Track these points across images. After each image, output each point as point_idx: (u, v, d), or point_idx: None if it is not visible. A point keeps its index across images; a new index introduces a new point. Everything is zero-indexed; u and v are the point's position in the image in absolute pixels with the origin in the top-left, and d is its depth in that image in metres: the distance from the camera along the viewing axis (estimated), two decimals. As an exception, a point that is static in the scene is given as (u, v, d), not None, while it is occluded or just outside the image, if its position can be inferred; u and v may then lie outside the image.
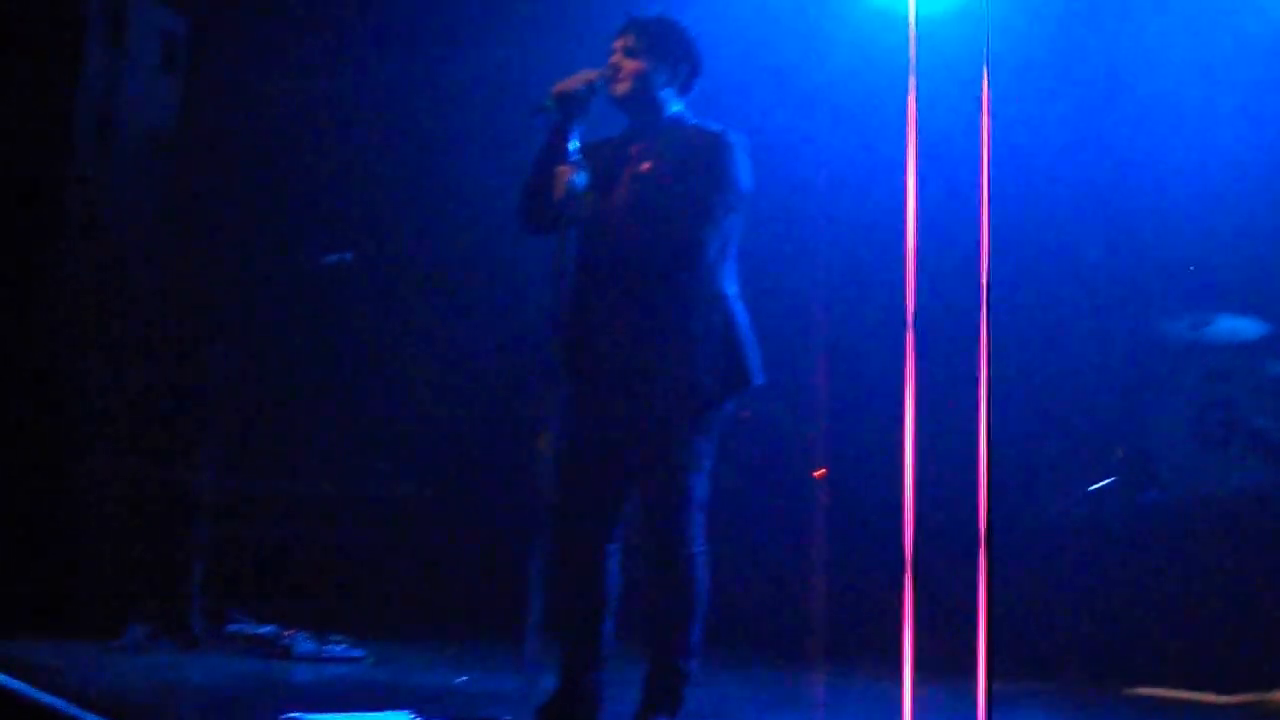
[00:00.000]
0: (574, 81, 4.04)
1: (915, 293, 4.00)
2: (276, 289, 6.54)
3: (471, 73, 6.93)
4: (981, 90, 3.92)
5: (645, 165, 4.11)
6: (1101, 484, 6.40)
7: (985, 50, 3.95)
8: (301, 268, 6.11)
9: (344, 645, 5.45)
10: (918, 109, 4.05)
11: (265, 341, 6.59)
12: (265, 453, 6.72)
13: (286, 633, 5.47)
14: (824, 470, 6.61)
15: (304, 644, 5.36)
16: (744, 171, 4.09)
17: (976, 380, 3.75)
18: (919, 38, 4.10)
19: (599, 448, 4.06)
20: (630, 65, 4.15)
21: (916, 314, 3.99)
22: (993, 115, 3.91)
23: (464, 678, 5.16)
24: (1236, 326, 6.51)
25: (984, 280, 3.82)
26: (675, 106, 4.22)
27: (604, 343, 4.04)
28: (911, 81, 4.09)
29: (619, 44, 4.19)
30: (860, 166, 6.35)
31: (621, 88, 4.14)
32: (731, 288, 4.11)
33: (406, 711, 4.08)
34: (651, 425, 3.98)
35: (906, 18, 4.14)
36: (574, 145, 4.05)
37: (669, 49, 4.18)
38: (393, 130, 7.13)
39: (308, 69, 6.99)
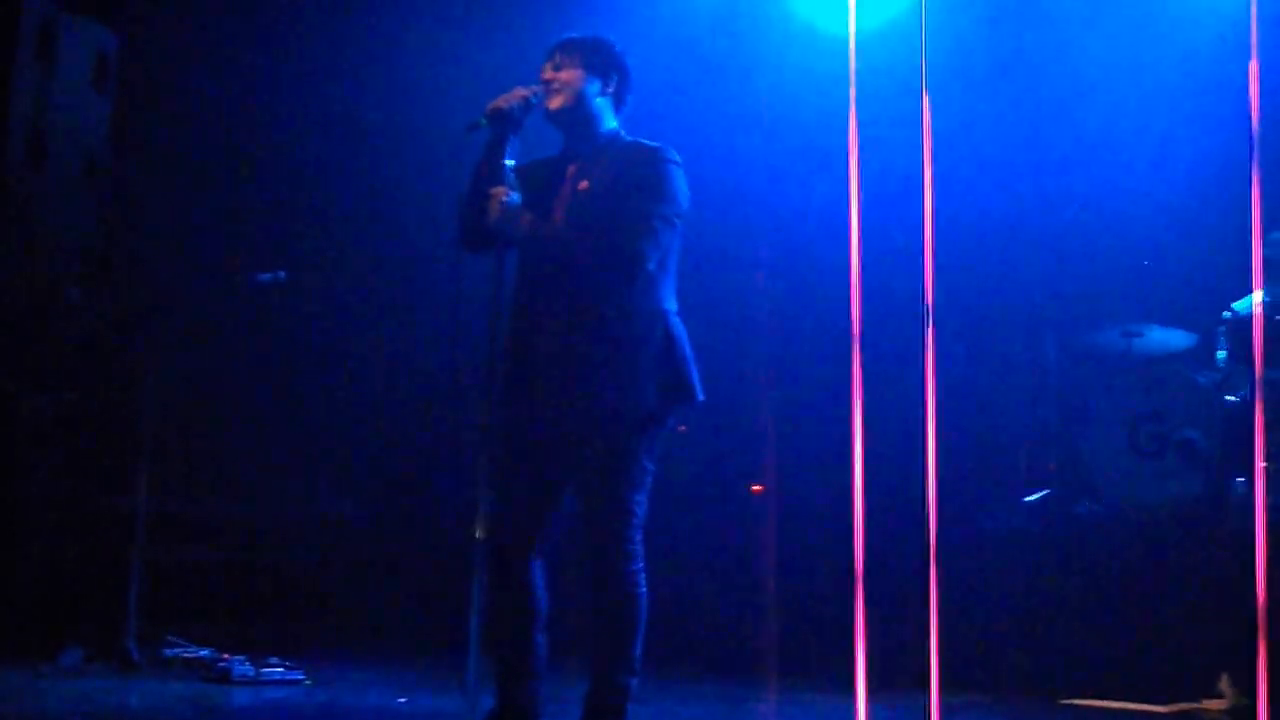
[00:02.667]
0: (508, 98, 4.06)
1: (861, 307, 4.04)
2: (212, 307, 6.54)
3: (410, 80, 6.97)
4: (921, 105, 3.97)
5: (583, 184, 4.12)
6: (1037, 495, 6.47)
7: (922, 66, 4.03)
8: (235, 286, 6.00)
9: (282, 668, 5.41)
10: (859, 127, 4.11)
11: (202, 361, 6.59)
12: (201, 473, 6.70)
13: (225, 656, 5.44)
14: (761, 486, 6.65)
15: (242, 667, 5.31)
16: (682, 187, 4.11)
17: (921, 394, 3.82)
18: (858, 56, 4.16)
19: (534, 462, 4.07)
20: (563, 77, 4.17)
21: (863, 327, 4.04)
22: (932, 132, 3.99)
23: (404, 699, 5.14)
24: (1167, 338, 6.60)
25: (928, 295, 3.90)
26: (611, 122, 4.24)
27: (544, 360, 4.05)
28: (852, 96, 4.15)
29: (549, 63, 4.21)
30: (801, 184, 6.45)
31: (556, 101, 4.15)
32: (671, 303, 4.14)
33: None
34: (593, 440, 4.00)
35: (846, 37, 4.20)
36: (509, 163, 4.06)
37: (599, 61, 4.20)
38: (330, 143, 7.14)
39: (242, 82, 6.99)
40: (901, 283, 4.11)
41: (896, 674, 4.57)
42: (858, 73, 4.14)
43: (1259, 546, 3.77)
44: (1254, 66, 3.96)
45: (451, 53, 6.82)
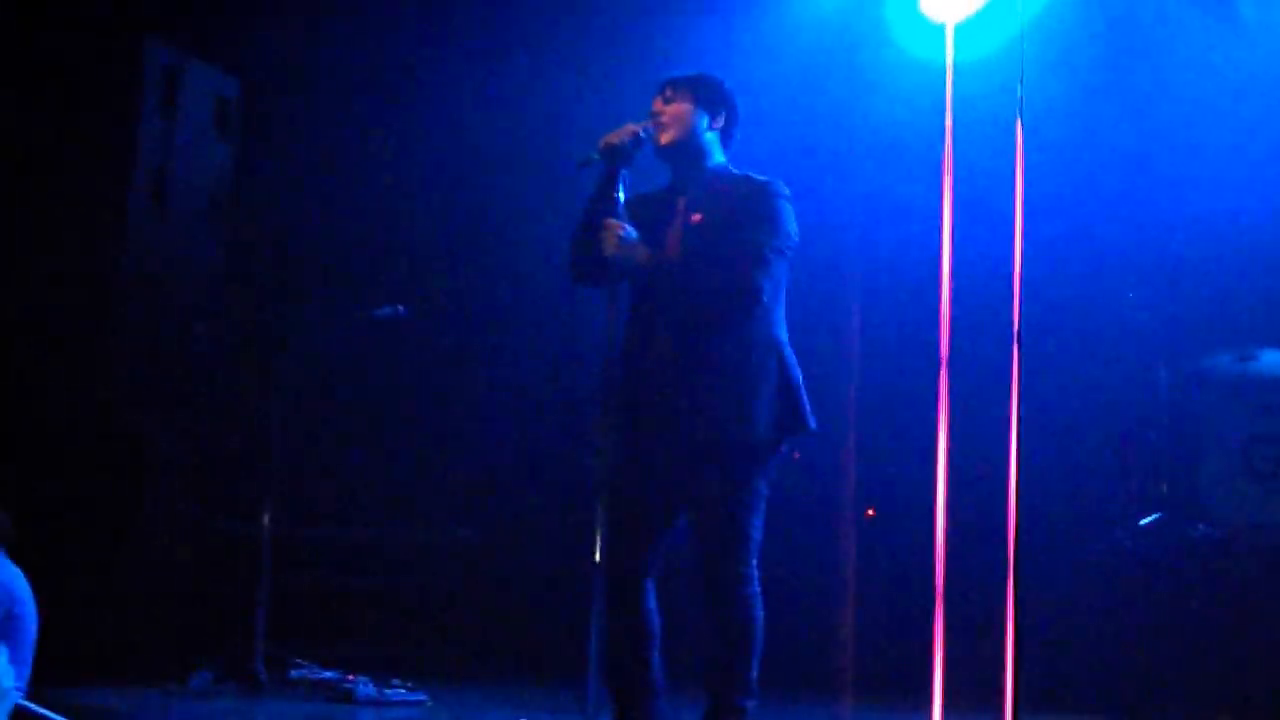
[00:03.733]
0: (620, 134, 4.12)
1: (950, 331, 4.15)
2: (335, 341, 6.66)
3: (521, 123, 7.05)
4: (1016, 129, 4.06)
5: (696, 216, 4.20)
6: (1150, 519, 6.44)
7: (1019, 91, 4.10)
8: (358, 320, 6.15)
9: (405, 689, 5.54)
10: (955, 154, 4.21)
11: (326, 392, 6.73)
12: (326, 500, 6.83)
13: (349, 677, 5.56)
14: (873, 510, 6.73)
15: (366, 688, 5.45)
16: (792, 220, 4.20)
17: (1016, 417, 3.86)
18: (956, 86, 4.26)
19: (649, 490, 4.13)
20: (672, 111, 4.25)
21: (952, 353, 4.15)
22: (1030, 153, 4.07)
23: (525, 719, 5.23)
24: (1282, 360, 6.54)
25: (1016, 317, 3.95)
26: (718, 156, 4.33)
27: (660, 390, 4.10)
28: (949, 125, 4.24)
29: (659, 98, 4.29)
30: (897, 210, 6.48)
31: (667, 136, 4.22)
32: (784, 333, 4.22)
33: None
34: (711, 469, 4.04)
35: (944, 67, 4.32)
36: (620, 197, 4.14)
37: (708, 96, 4.27)
38: (446, 179, 7.26)
39: (360, 122, 7.13)
40: (1000, 304, 4.14)
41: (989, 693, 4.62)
42: (958, 101, 4.26)
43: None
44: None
45: (565, 90, 6.92)
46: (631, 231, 4.08)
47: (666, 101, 4.29)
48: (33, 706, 4.27)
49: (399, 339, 6.60)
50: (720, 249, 4.10)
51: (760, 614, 4.07)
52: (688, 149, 4.29)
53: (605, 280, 4.11)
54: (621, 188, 4.11)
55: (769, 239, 4.12)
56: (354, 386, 6.96)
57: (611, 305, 4.07)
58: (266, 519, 5.71)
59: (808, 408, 4.20)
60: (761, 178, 4.24)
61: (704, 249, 4.12)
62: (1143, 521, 6.46)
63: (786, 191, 4.22)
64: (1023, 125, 4.02)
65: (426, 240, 7.27)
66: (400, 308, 5.80)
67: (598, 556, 3.88)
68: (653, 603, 4.15)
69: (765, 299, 4.08)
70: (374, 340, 6.65)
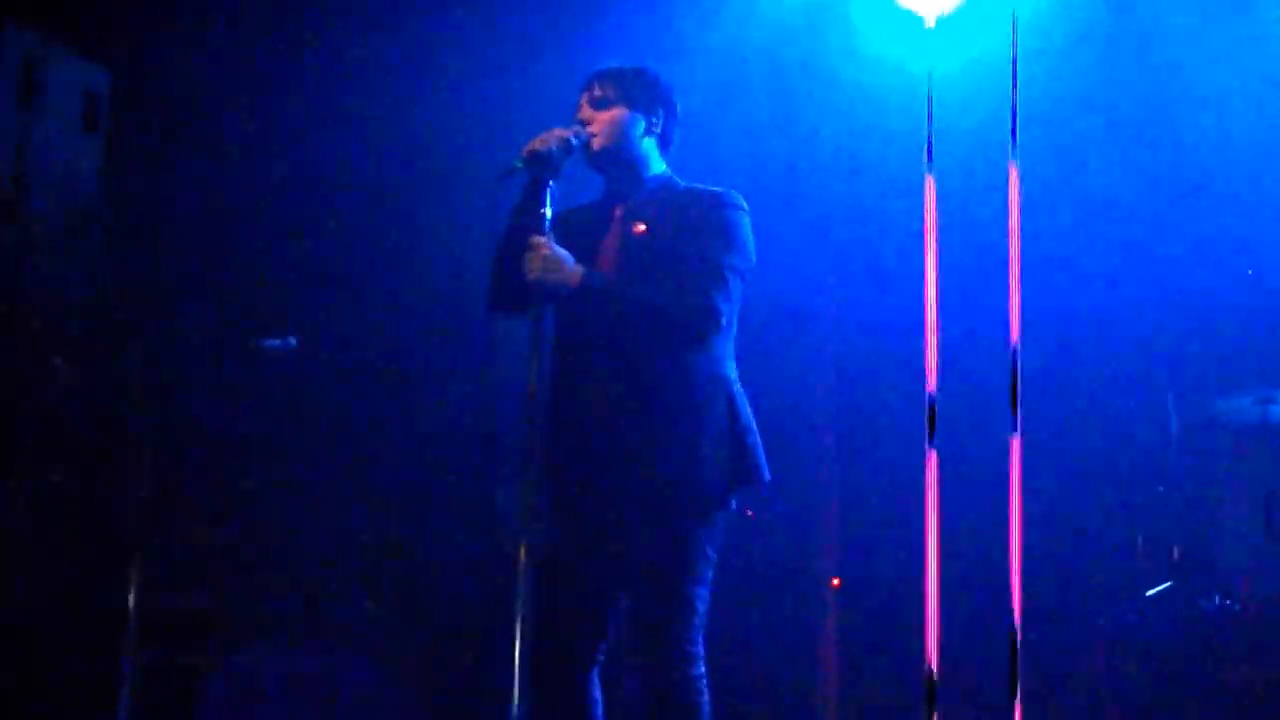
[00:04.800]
0: (546, 139, 4.09)
1: (938, 374, 4.14)
2: (214, 377, 6.57)
3: (435, 126, 7.01)
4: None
5: (639, 227, 4.18)
6: (1158, 589, 6.44)
7: (1013, 98, 4.06)
8: (241, 353, 6.04)
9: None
10: (938, 168, 4.19)
11: (203, 438, 6.64)
12: (197, 566, 6.73)
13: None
14: (839, 580, 6.67)
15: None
16: (750, 237, 4.18)
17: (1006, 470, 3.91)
18: (938, 90, 4.26)
19: (585, 554, 4.11)
20: (604, 116, 4.22)
21: (940, 394, 4.13)
22: (1024, 177, 4.10)
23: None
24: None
25: (1015, 355, 3.92)
26: (658, 165, 4.33)
27: (591, 433, 4.08)
28: (929, 135, 4.21)
29: (585, 98, 4.26)
30: (873, 231, 6.55)
31: (599, 142, 4.20)
32: (732, 369, 4.18)
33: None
34: (649, 526, 4.01)
35: (924, 68, 4.34)
36: (548, 212, 4.09)
37: (642, 95, 4.27)
38: (345, 190, 7.16)
39: (249, 128, 7.04)
40: (991, 345, 4.11)
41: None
42: (941, 107, 4.26)
43: None
44: None
45: (485, 91, 6.86)
46: (560, 250, 4.04)
47: (595, 104, 4.27)
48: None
49: (288, 374, 6.48)
50: (668, 265, 4.06)
51: (706, 698, 4.02)
52: (621, 158, 4.28)
53: (529, 307, 4.07)
54: (549, 201, 4.09)
55: (725, 256, 4.08)
56: (235, 430, 6.82)
57: (536, 336, 4.02)
58: (132, 593, 5.57)
59: (761, 455, 4.16)
60: (714, 188, 4.23)
61: (649, 263, 4.09)
62: (1150, 592, 6.45)
63: (743, 204, 4.21)
64: (1015, 136, 4.07)
65: (325, 258, 7.14)
66: (291, 338, 5.67)
67: (518, 650, 3.80)
68: (597, 693, 4.13)
69: (722, 324, 4.03)
70: (260, 376, 6.54)
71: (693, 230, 4.10)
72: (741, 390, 4.18)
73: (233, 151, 7.02)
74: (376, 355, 7.19)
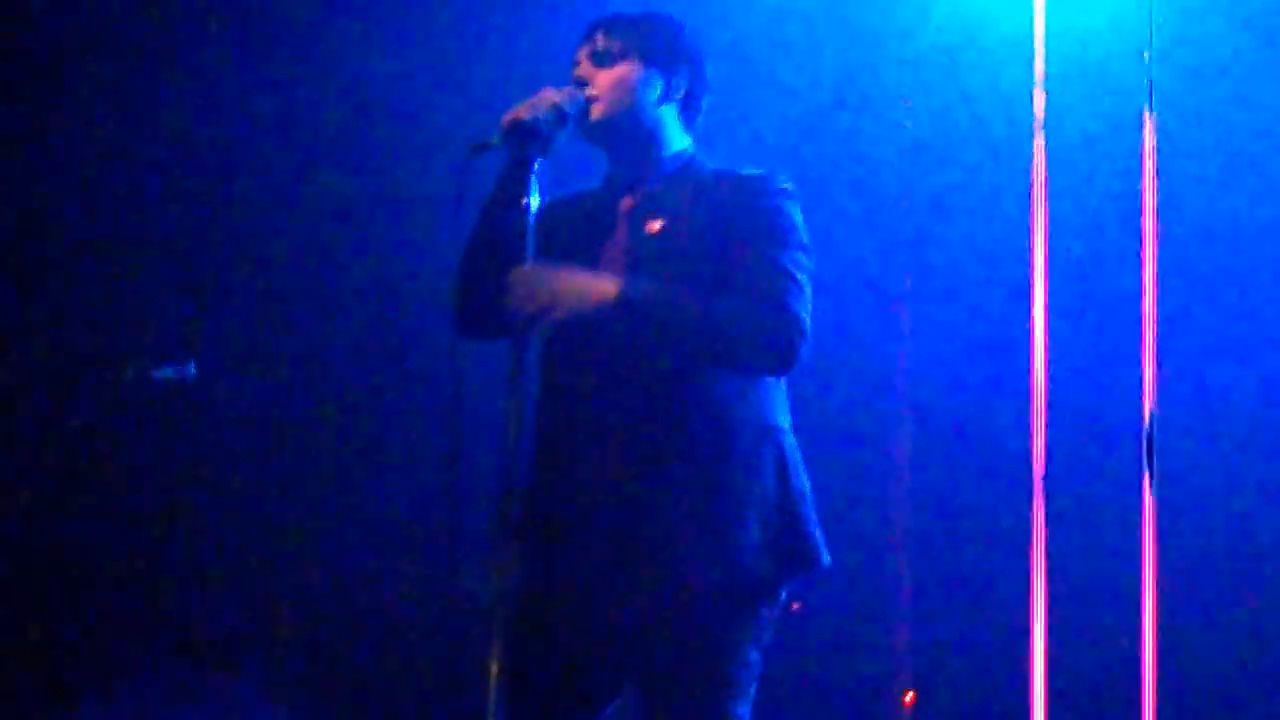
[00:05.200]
0: (533, 106, 3.61)
1: (1047, 431, 4.08)
2: (94, 413, 6.17)
3: (378, 83, 6.45)
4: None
5: (654, 224, 3.68)
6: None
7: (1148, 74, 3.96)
8: (128, 384, 5.67)
9: None
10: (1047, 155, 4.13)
11: (75, 490, 6.24)
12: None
13: None
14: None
15: None
16: (805, 232, 3.74)
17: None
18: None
19: (571, 661, 3.66)
20: (609, 75, 3.74)
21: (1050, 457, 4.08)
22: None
23: None
24: None
25: (1148, 409, 3.83)
26: (680, 140, 3.82)
27: (592, 501, 3.62)
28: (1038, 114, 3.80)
29: (584, 52, 3.79)
30: (958, 231, 6.01)
31: (601, 108, 3.71)
32: (784, 417, 3.71)
33: None
34: (673, 628, 3.55)
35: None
36: (532, 202, 3.57)
37: (658, 48, 3.79)
38: (261, 176, 6.65)
39: (144, 98, 6.54)
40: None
41: None
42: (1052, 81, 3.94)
43: None
44: None
45: (440, 38, 6.32)
46: (554, 268, 3.57)
47: (598, 59, 3.75)
48: None
49: (185, 411, 6.10)
50: (697, 272, 3.60)
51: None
52: (632, 129, 3.77)
53: (508, 331, 3.57)
54: (534, 187, 3.59)
55: (786, 254, 3.61)
56: (118, 479, 6.39)
57: (516, 368, 3.52)
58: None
59: (819, 532, 3.68)
60: (753, 171, 3.74)
61: (670, 273, 3.60)
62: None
63: (792, 188, 3.72)
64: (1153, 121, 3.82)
65: (236, 265, 6.66)
66: (189, 366, 5.29)
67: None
68: None
69: (809, 340, 3.58)
70: (149, 413, 6.12)
71: (730, 227, 3.64)
72: (795, 445, 3.71)
73: (127, 131, 6.57)
74: (301, 390, 6.75)
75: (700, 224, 3.65)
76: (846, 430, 5.86)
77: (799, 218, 3.70)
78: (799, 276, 3.59)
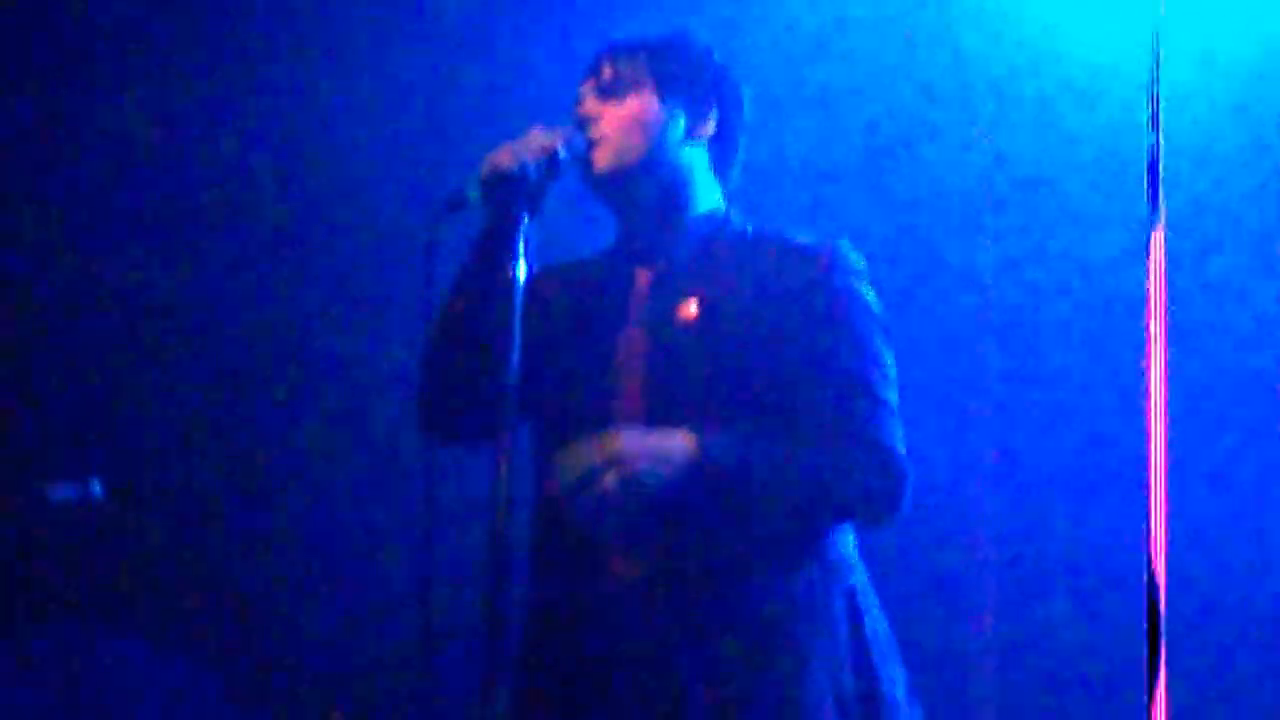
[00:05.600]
0: (520, 151, 3.22)
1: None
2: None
3: (356, 119, 6.09)
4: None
5: (689, 308, 3.25)
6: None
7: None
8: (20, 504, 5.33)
9: None
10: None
11: None
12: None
13: None
14: None
15: None
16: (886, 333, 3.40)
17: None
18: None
19: None
20: (618, 112, 3.34)
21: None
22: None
23: None
24: None
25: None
26: (710, 196, 3.40)
27: (612, 658, 3.20)
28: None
29: (589, 85, 3.43)
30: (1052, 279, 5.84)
31: (607, 155, 3.31)
32: (853, 550, 3.32)
33: None
34: None
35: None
36: (520, 272, 3.16)
37: (680, 78, 3.41)
38: (216, 218, 6.26)
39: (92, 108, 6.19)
40: None
41: None
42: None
43: None
44: None
45: (440, 68, 6.03)
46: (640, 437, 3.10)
47: (604, 92, 3.39)
48: None
49: (90, 534, 5.78)
50: (750, 379, 3.20)
51: None
52: (647, 180, 3.36)
53: (488, 431, 3.09)
54: (522, 250, 3.19)
55: (867, 364, 3.24)
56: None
57: (501, 477, 3.02)
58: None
59: (899, 690, 3.29)
60: (809, 239, 3.35)
61: (709, 375, 3.21)
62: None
63: (862, 265, 3.34)
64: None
65: (154, 360, 6.24)
66: (94, 483, 4.88)
67: None
68: None
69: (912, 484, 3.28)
70: (47, 537, 5.81)
71: (786, 319, 3.24)
72: (868, 581, 3.35)
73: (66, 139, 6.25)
74: (238, 510, 6.34)
75: (745, 308, 3.25)
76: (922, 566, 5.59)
77: (877, 307, 3.33)
78: (887, 397, 3.24)
